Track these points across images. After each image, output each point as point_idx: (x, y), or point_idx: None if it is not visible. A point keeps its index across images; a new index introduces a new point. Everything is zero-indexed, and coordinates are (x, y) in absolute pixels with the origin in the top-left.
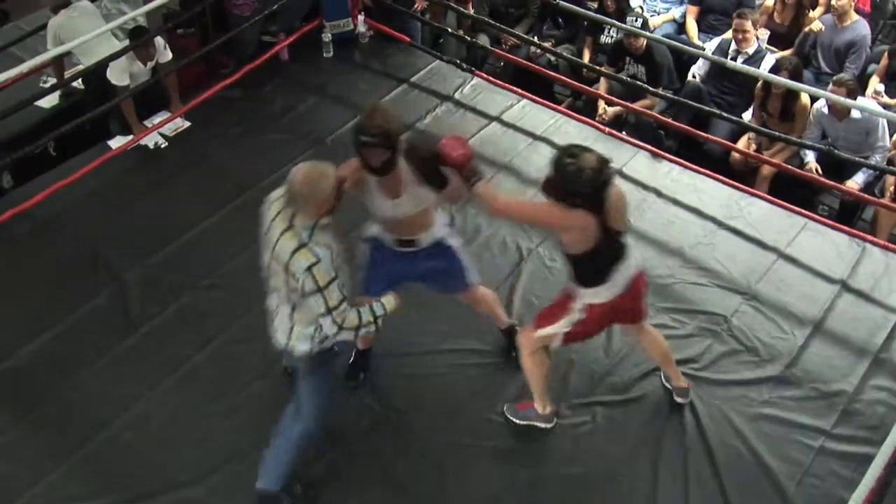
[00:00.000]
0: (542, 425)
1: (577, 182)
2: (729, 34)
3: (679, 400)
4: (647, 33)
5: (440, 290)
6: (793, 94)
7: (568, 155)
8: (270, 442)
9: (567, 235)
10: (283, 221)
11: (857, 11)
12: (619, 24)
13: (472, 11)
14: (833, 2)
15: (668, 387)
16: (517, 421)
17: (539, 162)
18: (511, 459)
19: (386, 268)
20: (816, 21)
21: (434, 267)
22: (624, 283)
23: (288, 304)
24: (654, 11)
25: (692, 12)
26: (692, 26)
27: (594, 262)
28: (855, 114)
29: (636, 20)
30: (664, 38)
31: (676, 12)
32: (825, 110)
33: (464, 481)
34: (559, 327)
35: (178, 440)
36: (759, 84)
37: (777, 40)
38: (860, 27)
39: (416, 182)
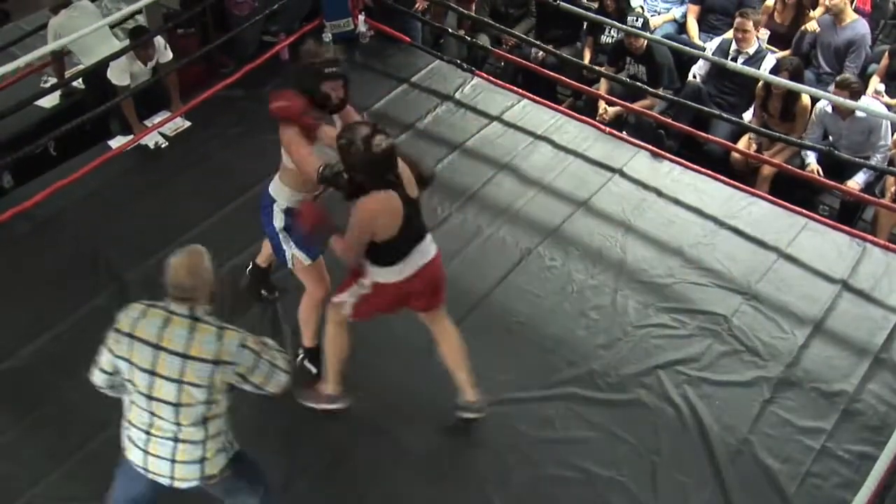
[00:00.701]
0: (329, 406)
1: (355, 156)
2: (730, 34)
3: (466, 415)
4: (647, 34)
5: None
6: (793, 95)
7: (340, 135)
8: None
9: (378, 227)
10: (182, 321)
11: (858, 11)
12: (620, 24)
13: (473, 12)
14: (828, 2)
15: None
16: (304, 402)
17: (540, 161)
18: (511, 459)
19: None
20: (812, 22)
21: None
22: (416, 267)
23: (199, 427)
24: (655, 11)
25: (693, 12)
26: (693, 26)
27: (394, 245)
28: (859, 112)
29: (637, 20)
30: (664, 39)
31: (677, 12)
32: (828, 109)
33: (458, 483)
34: (346, 297)
35: None
36: (760, 84)
37: (777, 40)
38: (859, 26)
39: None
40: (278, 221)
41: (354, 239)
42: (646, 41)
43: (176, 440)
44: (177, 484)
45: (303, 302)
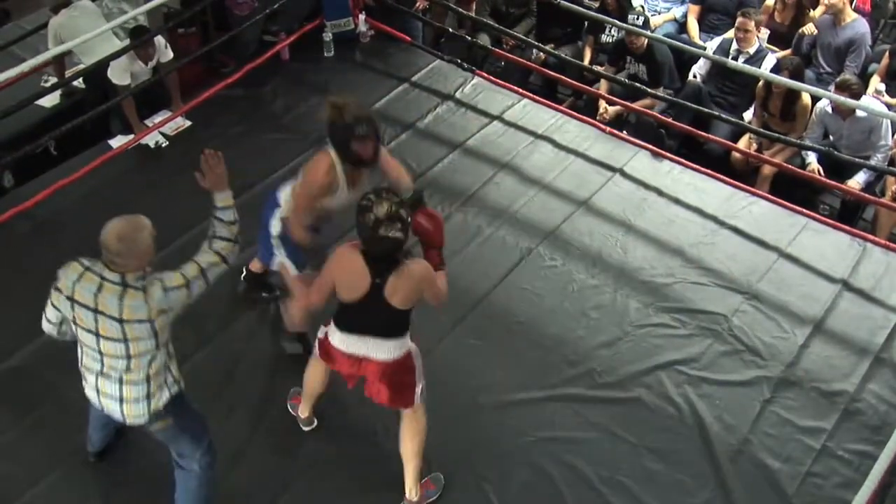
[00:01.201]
0: (302, 425)
1: (362, 225)
2: (730, 33)
3: None
4: (648, 33)
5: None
6: (794, 94)
7: (366, 196)
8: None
9: (338, 283)
10: (113, 287)
11: (858, 11)
12: (621, 23)
13: (473, 12)
14: (826, 1)
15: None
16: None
17: (540, 161)
18: (511, 458)
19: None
20: (810, 25)
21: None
22: (353, 350)
23: (139, 370)
24: (655, 11)
25: (693, 11)
26: (693, 25)
27: (344, 309)
28: (859, 112)
29: (637, 18)
30: (665, 38)
31: (677, 11)
32: (829, 109)
33: (458, 482)
34: (319, 332)
35: None
36: (760, 84)
37: (777, 40)
38: (859, 25)
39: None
40: (275, 227)
41: (316, 284)
42: (646, 40)
43: (121, 382)
44: (129, 422)
45: (290, 304)
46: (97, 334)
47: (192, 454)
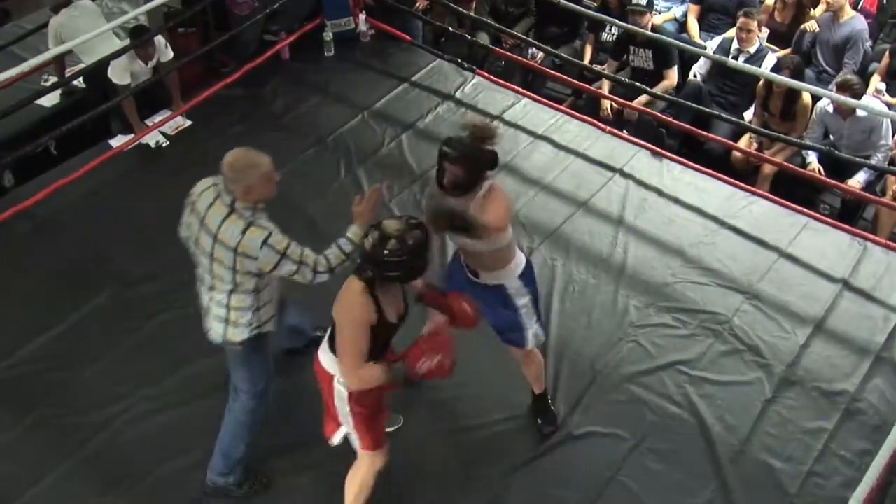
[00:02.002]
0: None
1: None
2: (731, 32)
3: None
4: (650, 15)
5: (495, 329)
6: (794, 94)
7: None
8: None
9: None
10: (223, 207)
11: (863, 12)
12: (621, 23)
13: (472, 11)
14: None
15: None
16: None
17: (540, 161)
18: (512, 459)
19: (455, 279)
20: (812, 21)
21: (488, 304)
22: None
23: (223, 294)
24: (656, 11)
25: (693, 11)
26: (693, 25)
27: None
28: (860, 112)
29: None
30: (665, 37)
31: (677, 11)
32: (829, 108)
33: (458, 482)
34: None
35: (179, 439)
36: (761, 83)
37: (778, 39)
38: (856, 22)
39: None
40: (521, 299)
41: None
42: (651, 19)
43: (211, 298)
44: (209, 335)
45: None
46: (196, 243)
47: (244, 390)
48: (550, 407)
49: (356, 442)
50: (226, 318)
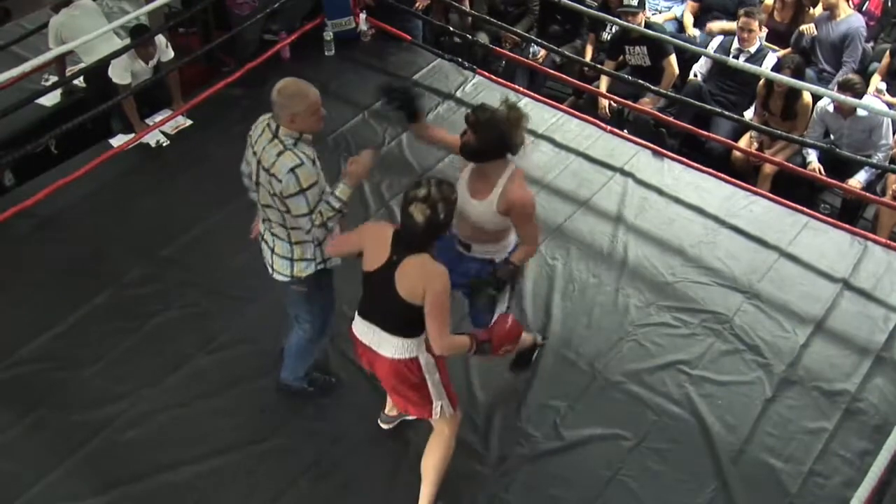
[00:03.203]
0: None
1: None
2: (724, 24)
3: None
4: (643, 14)
5: (469, 305)
6: (795, 93)
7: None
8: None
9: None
10: (269, 132)
11: (867, 14)
12: (622, 22)
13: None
14: None
15: None
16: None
17: (541, 159)
18: (512, 458)
19: (444, 252)
20: (810, 24)
21: (470, 278)
22: (357, 333)
23: (284, 229)
24: (656, 10)
25: (691, 8)
26: (689, 19)
27: (363, 288)
28: (860, 111)
29: None
30: (655, 32)
31: (678, 10)
32: (830, 107)
33: (459, 482)
34: None
35: (180, 439)
36: (761, 83)
37: (777, 38)
38: (854, 20)
39: (500, 208)
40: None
41: (346, 236)
42: (643, 19)
43: (274, 236)
44: (275, 276)
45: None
46: (251, 170)
47: (304, 322)
48: (530, 360)
49: (445, 409)
50: (290, 255)
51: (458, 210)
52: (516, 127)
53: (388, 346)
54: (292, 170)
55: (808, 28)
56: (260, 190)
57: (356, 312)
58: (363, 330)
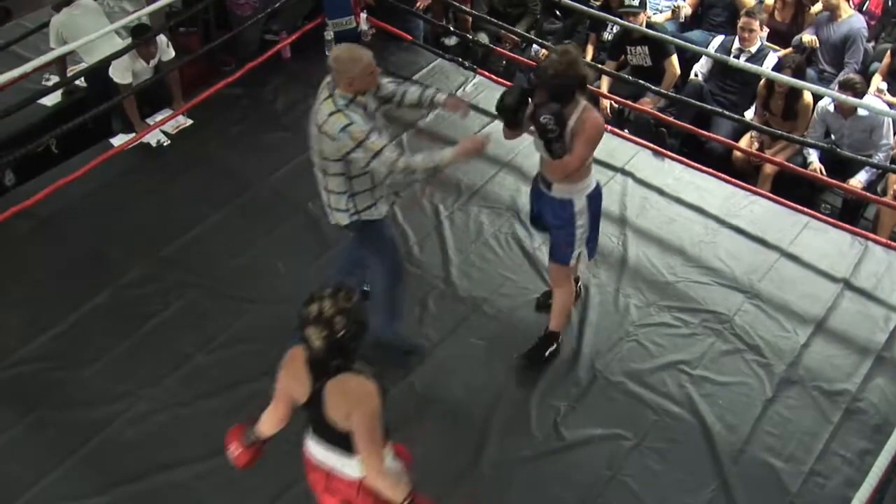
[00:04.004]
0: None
1: None
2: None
3: None
4: (644, 14)
5: (550, 241)
6: (796, 93)
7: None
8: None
9: None
10: (326, 91)
11: (867, 13)
12: (620, 21)
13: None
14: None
15: None
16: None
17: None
18: (512, 459)
19: (534, 189)
20: (813, 37)
21: (552, 216)
22: (316, 458)
23: (322, 174)
24: (657, 10)
25: (692, 4)
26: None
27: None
28: (861, 111)
29: None
30: (658, 32)
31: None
32: (830, 107)
33: (460, 484)
34: None
35: (180, 439)
36: (762, 83)
37: (778, 38)
38: (855, 21)
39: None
40: (581, 218)
41: (276, 392)
42: (644, 19)
43: (321, 184)
44: (330, 219)
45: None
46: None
47: (376, 265)
48: (544, 353)
49: None
50: (328, 203)
51: (540, 154)
52: (574, 66)
53: (349, 466)
54: (344, 129)
55: (811, 41)
56: (314, 145)
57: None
58: (319, 450)
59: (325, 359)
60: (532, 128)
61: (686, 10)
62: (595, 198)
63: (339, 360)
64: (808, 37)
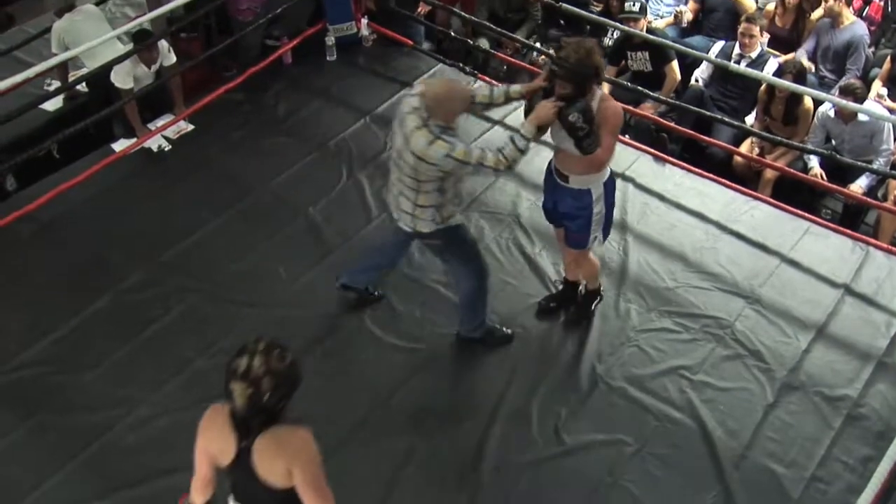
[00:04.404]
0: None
1: None
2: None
3: None
4: (644, 33)
5: (566, 229)
6: (796, 98)
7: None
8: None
9: None
10: (417, 119)
11: (867, 19)
12: (622, 26)
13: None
14: (825, 4)
15: None
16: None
17: (542, 165)
18: (514, 464)
19: (548, 182)
20: (808, 63)
21: (570, 205)
22: None
23: (413, 191)
24: (658, 15)
25: (692, 8)
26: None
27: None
28: (861, 116)
29: (633, 4)
30: (659, 38)
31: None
32: (831, 113)
33: (461, 487)
34: None
35: (180, 443)
36: (763, 88)
37: (778, 44)
38: (857, 28)
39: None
40: (598, 205)
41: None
42: (645, 22)
43: (400, 193)
44: (401, 225)
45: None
46: (392, 139)
47: (457, 273)
48: (590, 307)
49: None
50: (412, 212)
51: (556, 146)
52: (592, 55)
53: None
54: (448, 155)
55: (809, 66)
56: (393, 155)
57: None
58: None
59: (248, 418)
60: (560, 126)
61: (688, 16)
62: (610, 184)
63: (265, 418)
64: (805, 64)
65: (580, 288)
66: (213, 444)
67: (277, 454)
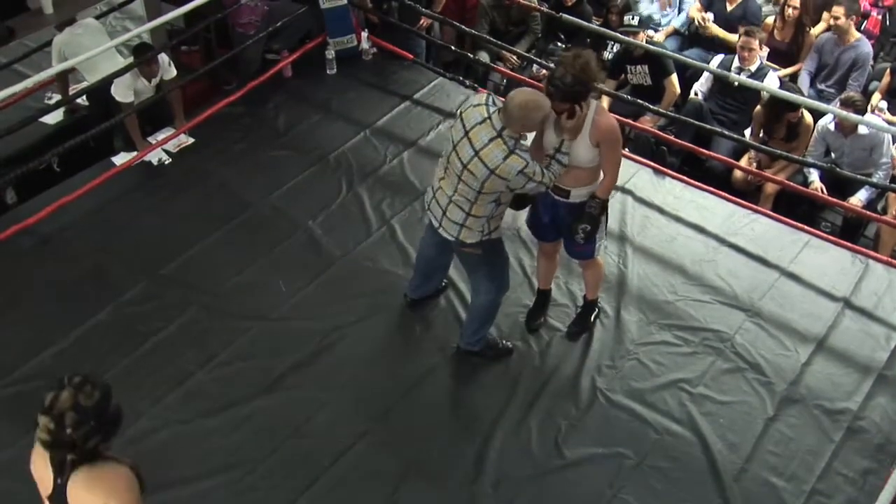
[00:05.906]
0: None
1: None
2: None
3: None
4: (643, 42)
5: (566, 247)
6: (798, 118)
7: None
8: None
9: None
10: (491, 129)
11: (866, 33)
12: (623, 37)
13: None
14: (832, 21)
15: None
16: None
17: None
18: (513, 475)
19: (545, 202)
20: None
21: (568, 222)
22: None
23: (468, 202)
24: (657, 26)
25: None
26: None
27: None
28: (861, 129)
29: (633, 18)
30: (658, 49)
31: (677, 22)
32: (831, 127)
33: (461, 498)
34: None
35: (180, 457)
36: (758, 109)
37: (778, 57)
38: (863, 45)
39: (592, 141)
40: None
41: None
42: (644, 38)
43: (450, 201)
44: (442, 232)
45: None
46: (455, 150)
47: (483, 284)
48: (589, 319)
49: None
50: (462, 222)
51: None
52: (588, 68)
53: None
54: (521, 172)
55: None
56: (453, 159)
57: None
58: None
59: (54, 454)
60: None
61: (709, 15)
62: None
63: (76, 456)
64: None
65: (581, 300)
66: (38, 473)
67: (90, 491)
